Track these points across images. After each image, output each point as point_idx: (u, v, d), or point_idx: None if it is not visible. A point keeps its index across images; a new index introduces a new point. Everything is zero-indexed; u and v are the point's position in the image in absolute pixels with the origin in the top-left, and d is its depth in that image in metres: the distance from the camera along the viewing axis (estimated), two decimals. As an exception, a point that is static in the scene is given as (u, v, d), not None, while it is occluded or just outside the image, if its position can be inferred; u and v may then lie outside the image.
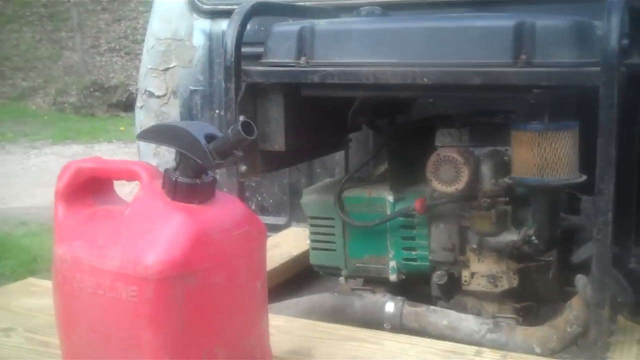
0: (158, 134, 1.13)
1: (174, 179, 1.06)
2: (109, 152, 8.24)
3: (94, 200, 1.14)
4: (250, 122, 1.05)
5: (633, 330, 1.50)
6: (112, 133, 9.45)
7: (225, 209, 1.11)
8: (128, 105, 10.31)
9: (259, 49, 1.68)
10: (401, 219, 1.75)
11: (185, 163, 1.06)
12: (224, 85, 1.59)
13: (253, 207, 2.46)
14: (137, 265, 0.99)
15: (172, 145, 1.08)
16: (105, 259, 1.01)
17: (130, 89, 10.68)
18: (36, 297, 1.63)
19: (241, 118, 1.53)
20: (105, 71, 12.04)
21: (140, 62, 2.74)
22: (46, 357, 1.33)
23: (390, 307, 1.64)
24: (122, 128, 9.58)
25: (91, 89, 11.27)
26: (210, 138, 1.06)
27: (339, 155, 2.21)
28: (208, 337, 1.05)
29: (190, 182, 1.06)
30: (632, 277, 1.50)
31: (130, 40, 12.54)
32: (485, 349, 1.38)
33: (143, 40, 2.82)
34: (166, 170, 1.08)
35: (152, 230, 1.02)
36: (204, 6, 2.44)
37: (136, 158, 2.79)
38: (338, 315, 1.65)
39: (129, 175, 1.10)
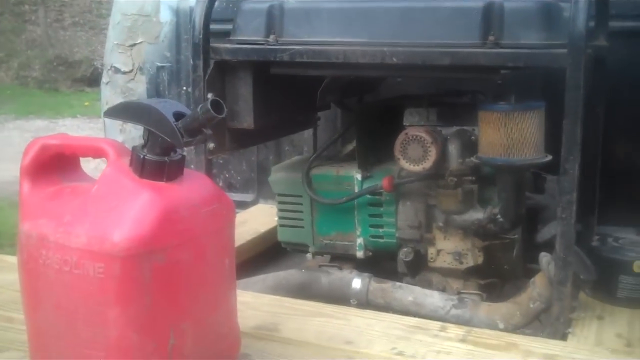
0: (126, 112, 1.12)
1: (141, 156, 1.05)
2: (73, 127, 8.11)
3: (59, 177, 1.12)
4: (220, 100, 1.04)
5: (594, 307, 1.53)
6: (76, 108, 9.29)
7: (194, 186, 1.10)
8: (93, 80, 10.14)
9: (227, 26, 1.66)
10: (369, 196, 1.76)
11: (154, 141, 1.05)
12: (192, 62, 1.58)
13: (221, 184, 2.46)
14: (104, 242, 0.98)
15: (140, 122, 1.06)
16: (72, 236, 1.00)
17: (95, 63, 10.50)
18: (0, 272, 1.60)
19: (210, 96, 1.52)
20: (69, 45, 11.81)
21: (105, 37, 2.71)
22: (11, 333, 1.32)
23: (357, 283, 1.65)
24: (86, 103, 9.42)
25: (55, 64, 11.06)
26: (179, 116, 1.05)
27: (308, 133, 2.21)
28: (175, 314, 1.04)
29: (158, 159, 1.05)
30: (594, 255, 1.53)
31: (94, 14, 12.31)
32: (449, 325, 1.40)
33: (108, 15, 2.78)
34: (134, 148, 1.07)
35: (119, 208, 1.01)
36: (171, -19, 2.42)
37: (101, 134, 2.77)
38: (305, 292, 1.66)
39: (96, 152, 1.09)
